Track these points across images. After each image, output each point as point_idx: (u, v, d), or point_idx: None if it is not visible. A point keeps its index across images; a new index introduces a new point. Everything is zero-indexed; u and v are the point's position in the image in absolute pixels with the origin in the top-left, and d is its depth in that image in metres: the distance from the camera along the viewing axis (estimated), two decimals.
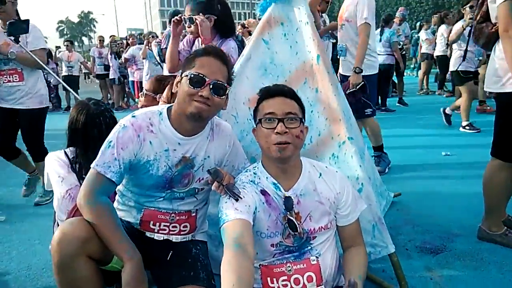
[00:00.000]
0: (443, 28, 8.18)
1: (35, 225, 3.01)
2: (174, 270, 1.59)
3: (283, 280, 1.42)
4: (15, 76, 3.20)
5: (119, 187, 1.70)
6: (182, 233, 1.67)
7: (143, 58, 7.31)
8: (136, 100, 9.34)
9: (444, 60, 8.50)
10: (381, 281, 2.03)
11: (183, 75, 1.51)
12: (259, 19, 2.21)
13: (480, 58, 5.57)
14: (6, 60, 3.16)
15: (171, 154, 1.54)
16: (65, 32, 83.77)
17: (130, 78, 9.25)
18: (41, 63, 3.18)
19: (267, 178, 1.49)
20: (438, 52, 8.41)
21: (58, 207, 1.81)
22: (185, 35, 2.65)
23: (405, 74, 9.40)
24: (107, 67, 10.20)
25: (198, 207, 1.70)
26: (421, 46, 9.63)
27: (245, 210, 1.37)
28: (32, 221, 3.11)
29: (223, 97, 1.51)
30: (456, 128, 5.53)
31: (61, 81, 4.41)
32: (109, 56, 9.99)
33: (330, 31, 4.88)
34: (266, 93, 1.52)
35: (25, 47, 3.14)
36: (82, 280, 1.37)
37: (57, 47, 12.50)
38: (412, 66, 14.91)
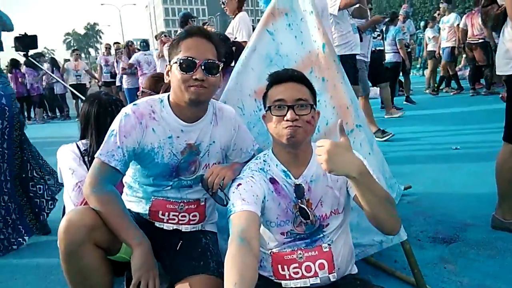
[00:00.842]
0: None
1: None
2: (184, 260, 1.57)
3: (294, 268, 1.38)
4: None
5: (127, 179, 1.69)
6: (191, 222, 1.65)
7: (160, 57, 7.28)
8: None
9: None
10: (393, 271, 2.00)
11: (171, 62, 1.48)
12: (263, 11, 2.21)
13: None
14: None
15: (175, 141, 1.53)
16: (71, 44, 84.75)
17: (129, 86, 8.88)
18: (48, 71, 3.20)
19: (276, 165, 1.45)
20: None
21: (68, 199, 1.81)
22: None
23: (411, 73, 9.32)
24: (113, 75, 10.28)
25: (207, 196, 1.68)
26: (426, 44, 9.58)
27: (253, 201, 1.33)
28: None
29: (217, 75, 1.49)
30: (465, 124, 5.46)
31: (69, 87, 4.47)
32: (115, 63, 10.06)
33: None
34: (275, 79, 1.46)
35: None
36: (90, 269, 1.37)
37: (66, 60, 12.72)
38: (418, 66, 14.82)
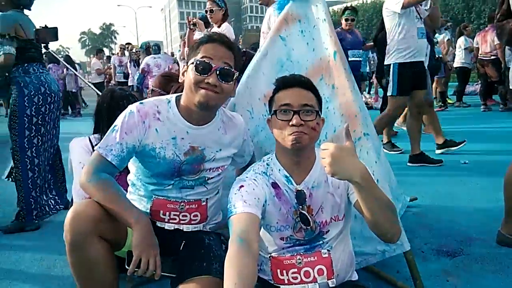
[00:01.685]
0: (461, 40, 8.13)
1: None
2: (186, 261, 1.57)
3: (293, 273, 1.38)
4: None
5: (130, 177, 1.71)
6: (192, 222, 1.65)
7: (183, 59, 7.39)
8: None
9: (463, 72, 8.47)
10: (395, 281, 1.98)
11: (189, 63, 1.50)
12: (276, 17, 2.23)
13: None
14: None
15: (178, 143, 1.54)
16: (87, 43, 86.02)
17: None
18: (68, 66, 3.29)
19: (279, 170, 1.45)
20: (457, 63, 8.33)
21: (76, 192, 1.84)
22: None
23: None
24: (126, 76, 10.40)
25: (209, 196, 1.69)
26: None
27: (254, 203, 1.33)
28: None
29: (231, 83, 1.50)
30: (475, 139, 5.41)
31: (87, 82, 4.57)
32: (128, 64, 10.18)
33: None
34: (282, 83, 1.48)
35: None
36: (95, 261, 1.37)
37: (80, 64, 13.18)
38: None
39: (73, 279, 1.44)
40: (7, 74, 2.91)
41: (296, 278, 1.37)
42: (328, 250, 1.41)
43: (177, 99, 1.58)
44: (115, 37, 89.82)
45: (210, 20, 4.56)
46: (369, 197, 1.26)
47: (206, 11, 4.49)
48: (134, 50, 10.32)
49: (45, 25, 3.30)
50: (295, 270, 1.38)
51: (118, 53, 11.04)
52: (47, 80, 3.01)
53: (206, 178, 1.64)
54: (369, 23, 36.63)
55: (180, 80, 1.58)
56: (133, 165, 1.65)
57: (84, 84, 11.91)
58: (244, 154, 1.77)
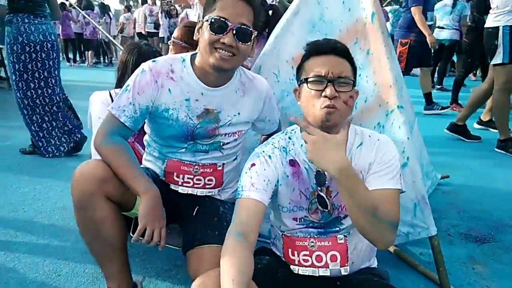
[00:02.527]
0: None
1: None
2: (199, 227, 1.53)
3: (304, 255, 1.30)
4: None
5: (146, 137, 1.67)
6: (207, 186, 1.59)
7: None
8: None
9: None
10: (417, 265, 1.89)
11: (204, 19, 1.37)
12: None
13: None
14: None
15: (192, 104, 1.46)
16: None
17: None
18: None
19: (301, 145, 1.32)
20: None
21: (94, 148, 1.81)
22: None
23: None
24: (157, 26, 10.26)
25: (226, 162, 1.61)
26: None
27: (262, 187, 1.25)
28: (68, 165, 3.20)
29: (249, 43, 1.37)
30: None
31: (106, 34, 4.47)
32: (159, 14, 10.01)
33: None
34: (315, 49, 1.30)
35: None
36: (102, 221, 1.35)
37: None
38: None
39: None
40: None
41: (307, 260, 1.30)
42: (345, 235, 1.30)
43: (192, 58, 1.47)
44: None
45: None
46: (346, 195, 1.15)
47: None
48: (166, 0, 10.11)
49: None
50: (307, 252, 1.30)
51: (149, 3, 10.84)
52: (26, 30, 3.19)
53: (221, 143, 1.56)
54: None
55: (195, 38, 1.46)
56: (148, 126, 1.61)
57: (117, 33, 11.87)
58: (265, 119, 1.65)
